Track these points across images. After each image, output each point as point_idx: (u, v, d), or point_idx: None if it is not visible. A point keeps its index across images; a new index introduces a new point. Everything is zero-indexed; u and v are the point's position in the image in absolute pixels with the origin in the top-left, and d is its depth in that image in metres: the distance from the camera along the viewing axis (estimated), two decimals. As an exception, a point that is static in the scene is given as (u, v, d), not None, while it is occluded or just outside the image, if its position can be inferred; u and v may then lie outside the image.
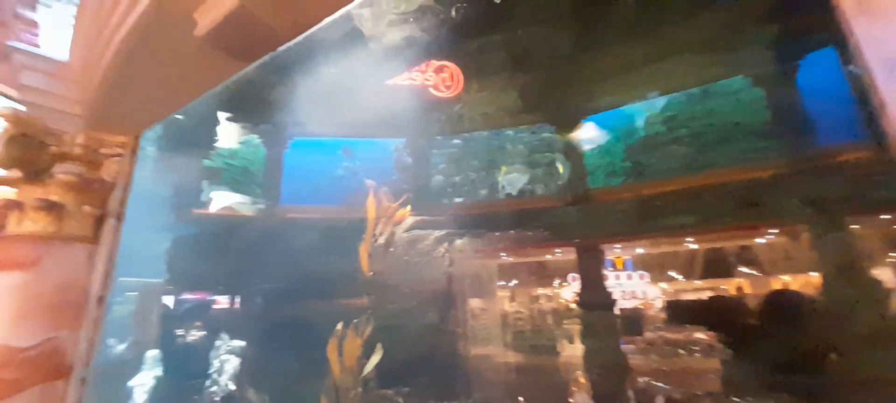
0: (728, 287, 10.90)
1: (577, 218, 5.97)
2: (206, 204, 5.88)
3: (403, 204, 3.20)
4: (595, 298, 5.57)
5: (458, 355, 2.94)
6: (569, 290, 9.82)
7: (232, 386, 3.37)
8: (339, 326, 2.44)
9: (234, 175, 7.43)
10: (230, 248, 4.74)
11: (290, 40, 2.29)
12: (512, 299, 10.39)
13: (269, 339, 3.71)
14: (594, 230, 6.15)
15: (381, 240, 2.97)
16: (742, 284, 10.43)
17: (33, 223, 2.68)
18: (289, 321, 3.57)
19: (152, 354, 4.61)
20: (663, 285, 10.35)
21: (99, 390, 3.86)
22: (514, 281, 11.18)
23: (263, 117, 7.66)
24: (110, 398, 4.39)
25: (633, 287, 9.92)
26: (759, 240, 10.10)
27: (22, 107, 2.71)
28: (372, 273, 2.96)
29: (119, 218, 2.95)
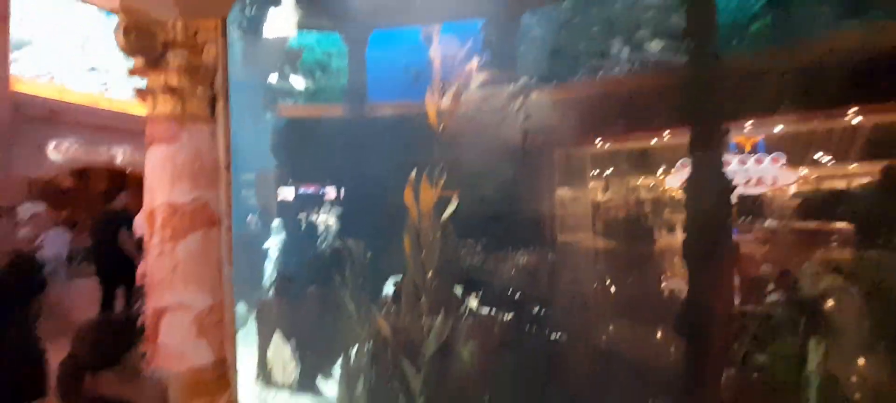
0: (896, 169, 8.57)
1: (698, 92, 4.91)
2: (294, 98, 6.39)
3: (471, 58, 2.98)
4: (707, 185, 4.69)
5: (535, 209, 2.96)
6: (675, 178, 8.50)
7: (337, 243, 4.04)
8: (413, 174, 2.56)
9: (317, 72, 7.79)
10: (320, 135, 5.21)
11: None
12: (605, 189, 9.65)
13: (361, 202, 4.22)
14: (719, 105, 4.99)
15: (449, 97, 2.89)
16: (916, 166, 8.09)
17: (164, 105, 3.19)
18: (374, 185, 3.95)
19: (276, 223, 5.64)
20: (803, 170, 8.57)
21: (244, 250, 4.89)
22: (610, 170, 10.23)
23: (340, 11, 7.55)
24: (252, 256, 5.61)
25: (761, 172, 8.44)
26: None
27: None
28: (441, 127, 2.97)
29: (226, 98, 3.34)
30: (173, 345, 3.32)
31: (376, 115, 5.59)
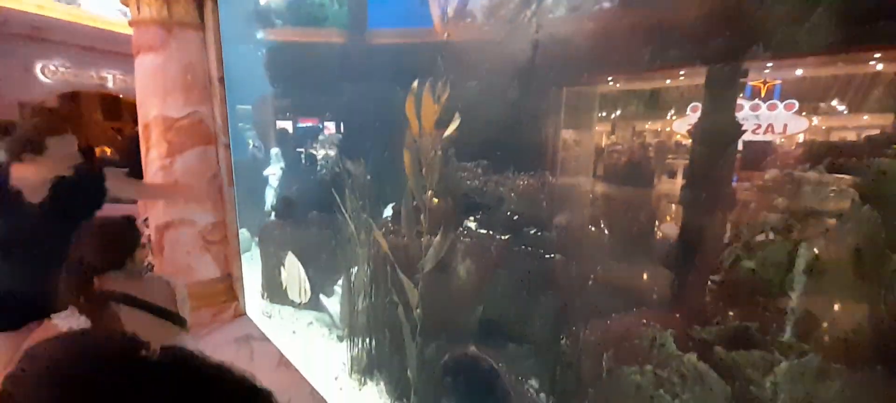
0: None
1: (719, 26, 4.43)
2: (286, 19, 6.00)
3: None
4: (715, 131, 4.46)
5: (540, 131, 2.91)
6: (683, 123, 8.12)
7: (336, 168, 4.02)
8: (415, 84, 2.47)
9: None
10: (317, 63, 4.99)
11: None
12: (611, 132, 9.36)
13: (358, 125, 4.16)
14: (741, 43, 4.54)
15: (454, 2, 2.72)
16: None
17: (150, 8, 2.98)
18: (373, 104, 3.86)
19: (275, 151, 5.61)
20: (815, 119, 8.23)
21: (245, 179, 4.84)
22: (618, 112, 9.83)
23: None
24: (253, 185, 5.64)
25: (772, 118, 8.10)
26: None
27: None
28: (446, 35, 2.83)
29: (214, 0, 3.12)
30: (179, 259, 3.42)
31: (377, 43, 5.28)
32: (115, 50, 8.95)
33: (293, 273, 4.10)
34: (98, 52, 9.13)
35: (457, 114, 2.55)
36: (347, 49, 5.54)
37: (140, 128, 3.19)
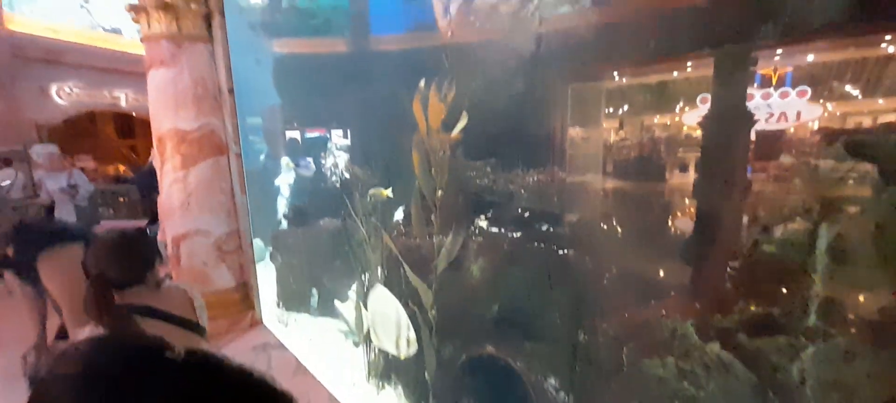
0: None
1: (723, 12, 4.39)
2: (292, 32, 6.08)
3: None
4: (727, 121, 4.40)
5: (547, 126, 2.89)
6: (693, 115, 8.08)
7: (346, 174, 4.04)
8: (422, 84, 2.48)
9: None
10: (322, 71, 5.05)
11: None
12: (619, 128, 9.31)
13: (366, 128, 4.19)
14: (747, 29, 4.52)
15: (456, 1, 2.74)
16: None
17: (159, 23, 3.05)
18: (380, 105, 3.87)
19: (285, 160, 5.68)
20: (829, 105, 8.07)
21: (258, 189, 4.87)
22: (625, 107, 9.79)
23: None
24: (266, 191, 5.71)
25: (785, 106, 7.94)
26: None
27: None
28: (449, 34, 2.85)
29: (222, 13, 3.18)
30: (196, 269, 3.47)
31: (381, 49, 5.34)
32: (126, 69, 9.20)
33: (389, 314, 2.83)
34: (110, 72, 9.39)
35: (464, 113, 2.56)
36: (352, 56, 5.61)
37: (154, 142, 3.25)
